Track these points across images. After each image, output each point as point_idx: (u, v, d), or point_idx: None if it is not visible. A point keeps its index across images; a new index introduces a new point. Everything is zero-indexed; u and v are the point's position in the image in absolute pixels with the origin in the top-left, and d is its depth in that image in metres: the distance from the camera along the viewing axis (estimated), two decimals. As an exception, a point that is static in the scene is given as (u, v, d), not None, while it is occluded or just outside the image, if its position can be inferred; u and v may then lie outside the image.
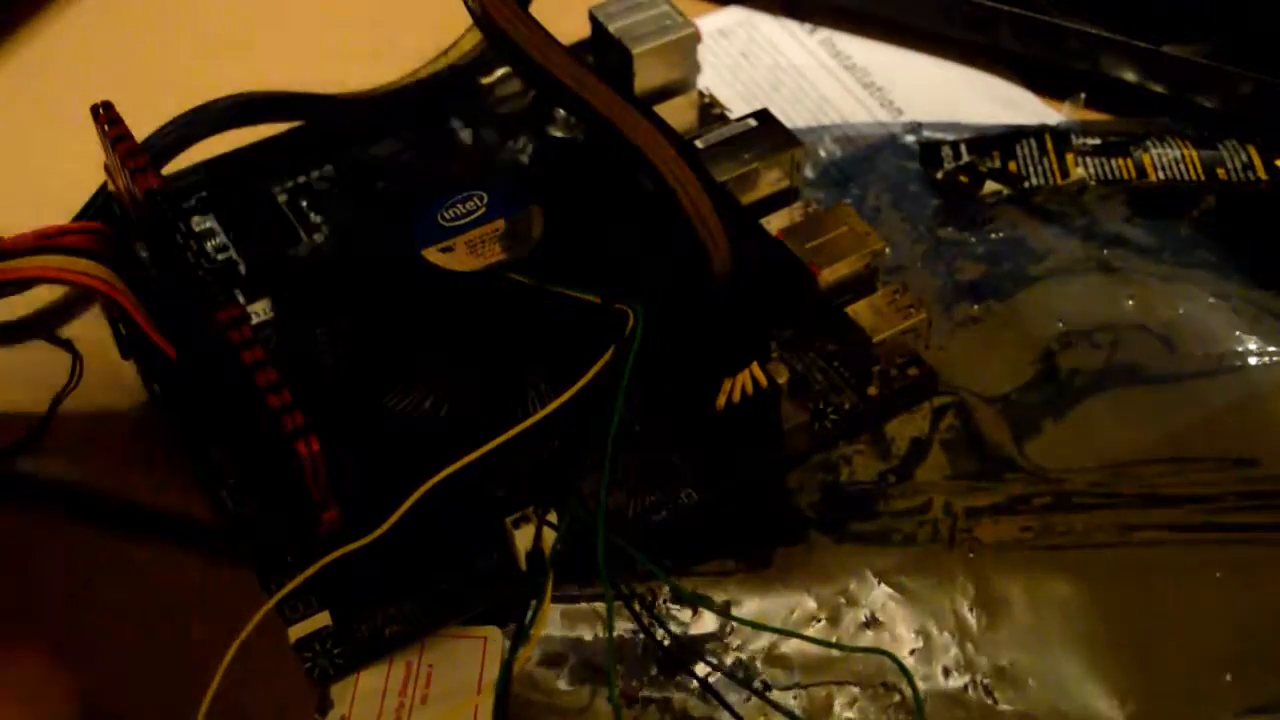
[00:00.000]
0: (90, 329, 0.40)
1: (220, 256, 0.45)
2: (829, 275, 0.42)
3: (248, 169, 0.47)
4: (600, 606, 0.37)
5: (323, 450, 0.33)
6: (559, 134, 0.48)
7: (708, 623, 0.38)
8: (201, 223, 0.46)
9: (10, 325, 0.44)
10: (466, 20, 0.45)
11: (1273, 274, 0.45)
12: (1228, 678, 0.36)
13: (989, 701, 0.36)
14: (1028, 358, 0.43)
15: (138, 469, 0.41)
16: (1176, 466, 0.40)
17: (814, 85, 0.53)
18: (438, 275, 0.39)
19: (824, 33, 0.55)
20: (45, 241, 0.36)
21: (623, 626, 0.37)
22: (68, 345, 0.42)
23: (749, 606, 0.38)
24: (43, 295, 0.44)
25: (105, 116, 0.36)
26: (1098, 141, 0.49)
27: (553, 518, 0.37)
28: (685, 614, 0.38)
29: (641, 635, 0.37)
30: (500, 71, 0.47)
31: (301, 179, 0.47)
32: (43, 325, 0.43)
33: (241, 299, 0.43)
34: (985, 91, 0.52)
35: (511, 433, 0.36)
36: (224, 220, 0.46)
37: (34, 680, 0.35)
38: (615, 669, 0.36)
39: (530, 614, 0.36)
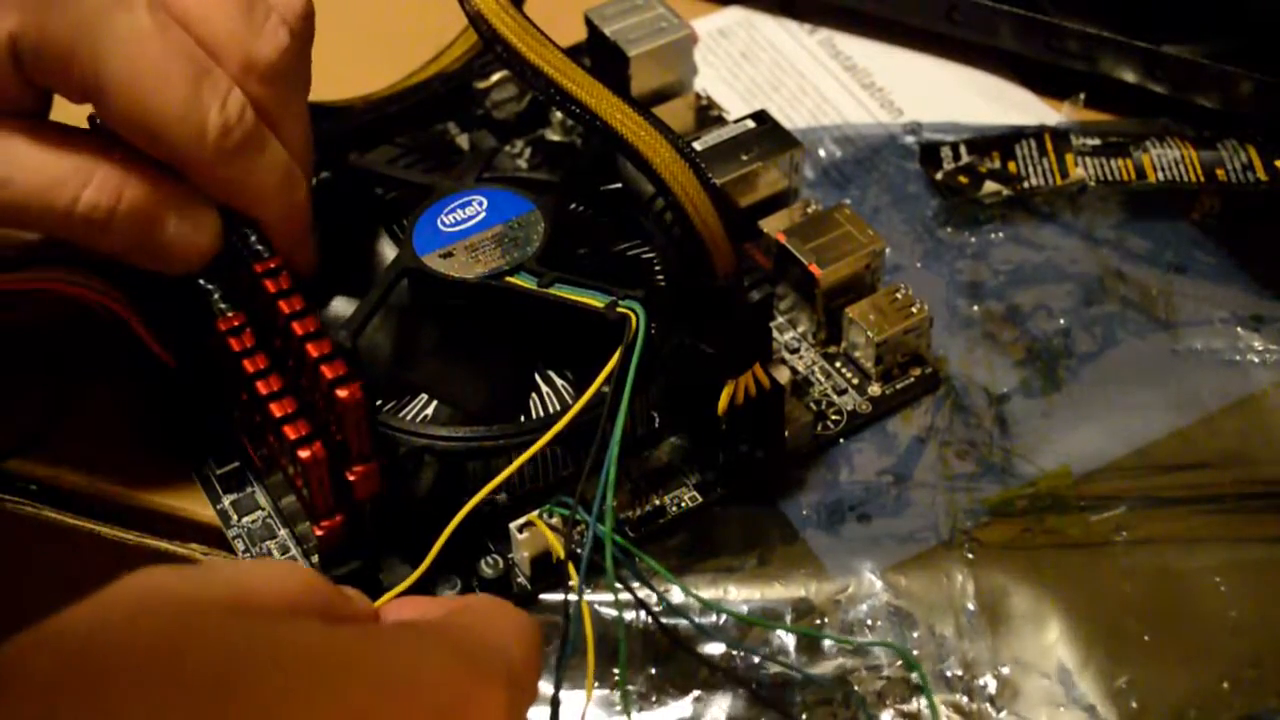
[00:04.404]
0: (91, 330, 0.40)
1: None
2: (829, 275, 0.42)
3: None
4: (603, 608, 0.37)
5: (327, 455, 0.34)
6: (557, 138, 0.48)
7: (709, 622, 0.38)
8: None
9: (11, 325, 0.44)
10: (456, 27, 0.45)
11: (1273, 274, 0.45)
12: (1225, 684, 0.36)
13: (987, 702, 0.36)
14: (1027, 358, 0.43)
15: (139, 470, 0.41)
16: (1177, 467, 0.40)
17: (814, 85, 0.53)
18: (439, 281, 0.39)
19: (824, 33, 0.55)
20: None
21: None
22: (69, 346, 0.42)
23: (750, 606, 0.38)
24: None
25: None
26: (1097, 142, 0.49)
27: (557, 521, 0.37)
28: (687, 613, 0.38)
29: (643, 634, 0.37)
30: (496, 76, 0.47)
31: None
32: (44, 325, 0.43)
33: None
34: (985, 92, 0.52)
35: (529, 453, 0.36)
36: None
37: None
38: (626, 667, 0.36)
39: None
